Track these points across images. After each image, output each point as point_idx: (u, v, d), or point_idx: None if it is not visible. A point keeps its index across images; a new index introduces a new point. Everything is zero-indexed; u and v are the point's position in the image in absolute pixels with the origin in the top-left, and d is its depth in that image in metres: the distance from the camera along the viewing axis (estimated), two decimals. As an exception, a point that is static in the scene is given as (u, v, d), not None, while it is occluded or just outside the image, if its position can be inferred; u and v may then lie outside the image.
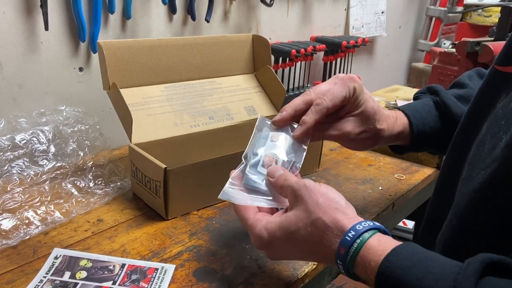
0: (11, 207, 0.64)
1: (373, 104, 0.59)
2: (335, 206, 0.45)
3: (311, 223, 0.43)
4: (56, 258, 0.54)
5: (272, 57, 1.18)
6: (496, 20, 1.91)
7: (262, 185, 0.51)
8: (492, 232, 0.43)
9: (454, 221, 0.46)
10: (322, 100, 0.54)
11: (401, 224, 1.43)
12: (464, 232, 0.45)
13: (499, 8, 1.85)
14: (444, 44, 1.91)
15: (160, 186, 0.62)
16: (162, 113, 0.76)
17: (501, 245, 0.42)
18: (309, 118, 0.54)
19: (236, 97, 0.86)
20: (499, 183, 0.42)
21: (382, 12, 1.72)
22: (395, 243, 0.40)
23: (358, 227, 0.41)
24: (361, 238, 0.41)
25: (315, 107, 0.54)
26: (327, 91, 0.55)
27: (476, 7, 1.99)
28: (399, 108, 0.64)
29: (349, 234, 0.41)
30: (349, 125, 0.58)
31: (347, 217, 0.43)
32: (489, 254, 0.37)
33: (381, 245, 0.40)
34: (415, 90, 1.40)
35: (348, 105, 0.57)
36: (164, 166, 0.61)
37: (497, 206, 0.42)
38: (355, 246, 0.40)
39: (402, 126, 0.62)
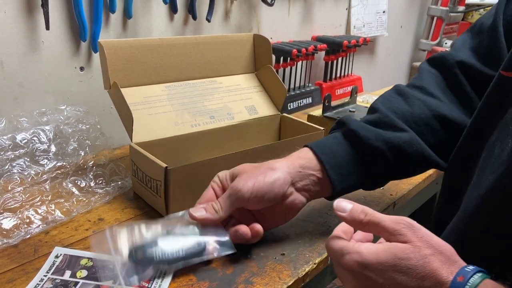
0: (12, 206, 0.64)
1: (243, 165, 0.56)
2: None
3: (424, 255, 0.40)
4: (56, 257, 0.54)
5: (273, 57, 1.18)
6: (498, 19, 1.91)
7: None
8: (498, 237, 0.42)
9: (460, 226, 0.46)
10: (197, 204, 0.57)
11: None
12: (471, 237, 0.45)
13: (500, 8, 1.86)
14: (446, 43, 1.91)
15: (161, 185, 0.62)
16: (163, 113, 0.76)
17: (508, 250, 0.41)
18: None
19: (237, 96, 0.86)
20: (505, 187, 0.42)
21: (384, 12, 1.72)
22: None
23: (467, 268, 0.39)
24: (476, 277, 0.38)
25: None
26: None
27: (477, 6, 1.99)
28: (305, 146, 0.60)
29: (467, 268, 0.39)
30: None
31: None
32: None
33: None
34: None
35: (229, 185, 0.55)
36: (164, 165, 0.61)
37: (503, 211, 0.42)
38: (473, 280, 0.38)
39: (304, 160, 0.57)
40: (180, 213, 0.57)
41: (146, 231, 0.54)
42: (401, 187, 0.78)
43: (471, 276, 0.38)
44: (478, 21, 0.64)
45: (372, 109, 0.63)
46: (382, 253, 0.41)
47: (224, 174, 0.57)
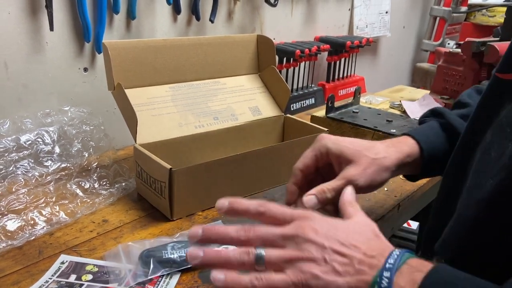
0: (16, 208, 0.64)
1: (353, 142, 0.58)
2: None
3: (365, 224, 0.44)
4: (62, 263, 0.54)
5: (276, 57, 1.18)
6: (500, 20, 1.90)
7: None
8: (503, 242, 0.42)
9: (461, 231, 0.46)
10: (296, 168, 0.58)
11: (405, 224, 1.43)
12: (473, 242, 0.45)
13: (503, 8, 1.85)
14: (448, 44, 1.91)
15: (165, 186, 0.62)
16: (167, 114, 0.76)
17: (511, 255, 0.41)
18: (289, 184, 0.58)
19: (241, 97, 0.86)
20: (508, 191, 0.41)
21: (386, 12, 1.72)
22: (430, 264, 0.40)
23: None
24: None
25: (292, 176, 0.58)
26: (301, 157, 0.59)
27: (480, 7, 1.98)
28: (406, 133, 0.63)
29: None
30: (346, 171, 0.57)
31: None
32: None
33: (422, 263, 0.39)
34: (420, 91, 1.40)
35: (331, 160, 0.57)
36: (169, 166, 0.61)
37: (506, 215, 0.42)
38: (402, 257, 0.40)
39: (409, 148, 0.60)
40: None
41: (157, 243, 0.56)
42: (405, 188, 0.78)
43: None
44: None
45: (460, 103, 0.66)
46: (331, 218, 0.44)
47: (333, 149, 0.57)
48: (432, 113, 0.66)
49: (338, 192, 0.54)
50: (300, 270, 0.40)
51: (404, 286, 0.37)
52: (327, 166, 0.58)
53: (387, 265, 0.39)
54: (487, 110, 0.51)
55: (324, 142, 0.58)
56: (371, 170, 0.56)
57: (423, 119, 0.67)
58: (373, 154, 0.57)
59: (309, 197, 0.54)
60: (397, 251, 0.40)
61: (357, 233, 0.43)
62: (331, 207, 0.56)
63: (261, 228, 0.44)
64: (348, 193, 0.51)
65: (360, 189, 0.55)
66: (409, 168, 0.61)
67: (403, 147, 0.60)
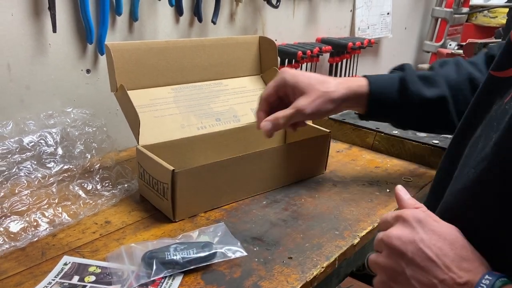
0: (19, 209, 0.64)
1: (309, 77, 0.69)
2: None
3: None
4: (65, 264, 0.54)
5: (278, 59, 1.18)
6: (502, 21, 1.90)
7: None
8: (483, 228, 0.43)
9: (446, 218, 0.47)
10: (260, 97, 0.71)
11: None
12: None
13: (504, 9, 1.85)
14: (450, 45, 1.91)
15: (168, 188, 0.62)
16: (169, 115, 0.76)
17: (492, 242, 0.42)
18: (257, 111, 0.71)
19: (243, 98, 0.86)
20: (488, 180, 0.42)
21: (388, 14, 1.72)
22: None
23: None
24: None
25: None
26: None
27: (482, 8, 1.98)
28: (364, 75, 0.72)
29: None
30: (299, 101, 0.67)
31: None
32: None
33: None
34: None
35: (289, 92, 0.68)
36: (171, 168, 0.61)
37: (487, 204, 0.43)
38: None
39: (358, 86, 0.70)
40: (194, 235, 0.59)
41: (160, 244, 0.56)
42: (408, 190, 0.77)
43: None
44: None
45: (432, 67, 0.76)
46: (442, 223, 0.43)
47: (289, 80, 0.68)
48: (399, 66, 0.75)
49: (289, 119, 0.66)
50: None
51: None
52: (285, 95, 0.69)
53: None
54: (480, 107, 0.53)
55: (283, 75, 0.69)
56: (318, 101, 0.67)
57: (391, 70, 0.77)
58: (324, 88, 0.67)
59: (265, 123, 0.67)
60: (486, 281, 0.38)
61: (447, 245, 0.41)
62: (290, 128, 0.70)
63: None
64: (404, 193, 0.50)
65: (307, 116, 0.68)
66: (356, 104, 0.71)
67: (353, 84, 0.70)
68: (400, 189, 0.50)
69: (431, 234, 0.42)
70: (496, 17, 1.97)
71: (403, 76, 0.71)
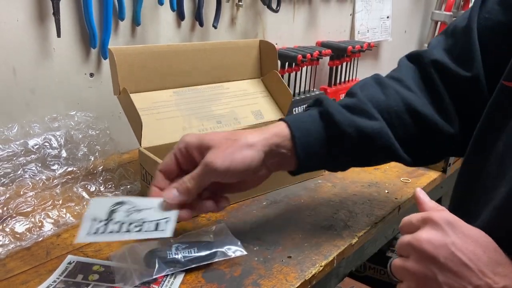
0: (24, 210, 0.65)
1: (216, 133, 0.57)
2: None
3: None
4: (69, 263, 0.55)
5: (279, 62, 1.19)
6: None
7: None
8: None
9: None
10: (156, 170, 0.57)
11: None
12: None
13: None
14: (450, 48, 1.91)
15: (170, 189, 0.64)
16: (171, 118, 0.77)
17: None
18: (151, 186, 0.56)
19: (244, 101, 0.87)
20: None
21: (388, 17, 1.73)
22: None
23: None
24: None
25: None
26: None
27: (481, 11, 1.99)
28: (281, 119, 0.60)
29: None
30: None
31: None
32: None
33: None
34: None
35: (193, 154, 0.55)
36: (173, 169, 0.62)
37: None
38: None
39: (277, 129, 0.57)
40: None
41: (162, 244, 0.56)
42: (406, 190, 0.79)
43: None
44: (452, 23, 0.65)
45: (351, 93, 0.63)
46: (470, 225, 0.42)
47: (192, 142, 0.55)
48: (314, 102, 0.62)
49: (199, 180, 0.53)
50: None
51: None
52: (191, 165, 0.55)
53: None
54: (496, 119, 0.51)
55: (183, 138, 0.56)
56: (230, 150, 0.53)
57: (306, 108, 0.64)
58: (234, 137, 0.55)
59: (169, 191, 0.53)
60: None
61: (481, 248, 0.40)
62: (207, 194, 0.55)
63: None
64: (424, 195, 0.48)
65: (220, 174, 0.53)
66: (281, 153, 0.57)
67: (270, 128, 0.58)
68: (420, 191, 0.47)
69: (463, 237, 0.40)
70: (496, 20, 1.98)
71: (324, 110, 0.59)
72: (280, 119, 0.60)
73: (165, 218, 0.52)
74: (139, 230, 0.51)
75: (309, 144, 0.58)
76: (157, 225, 0.52)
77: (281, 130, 0.58)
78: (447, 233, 0.40)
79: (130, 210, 0.53)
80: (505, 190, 0.44)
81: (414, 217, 0.44)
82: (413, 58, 0.65)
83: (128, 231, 0.50)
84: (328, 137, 0.59)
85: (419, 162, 0.65)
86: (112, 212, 0.52)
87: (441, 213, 0.42)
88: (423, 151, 0.62)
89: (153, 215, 0.53)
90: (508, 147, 0.48)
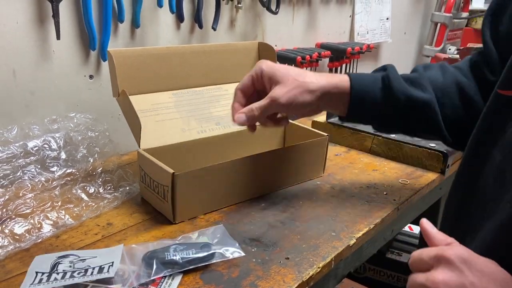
0: (24, 212, 0.65)
1: (287, 68, 0.66)
2: None
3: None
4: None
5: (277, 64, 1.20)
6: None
7: None
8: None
9: (488, 257, 0.44)
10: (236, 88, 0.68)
11: (406, 228, 1.43)
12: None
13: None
14: (450, 49, 1.92)
15: (168, 190, 0.64)
16: (170, 119, 0.78)
17: None
18: (233, 103, 0.67)
19: (242, 103, 0.87)
20: None
21: (387, 19, 1.73)
22: None
23: None
24: None
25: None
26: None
27: (481, 12, 2.00)
28: (346, 73, 0.69)
29: None
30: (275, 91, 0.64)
31: None
32: None
33: None
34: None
35: (266, 83, 0.65)
36: (172, 171, 0.62)
37: None
38: None
39: (339, 81, 0.66)
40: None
41: (160, 245, 0.57)
42: (405, 192, 0.79)
43: None
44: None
45: (414, 70, 0.72)
46: (484, 259, 0.41)
47: (266, 71, 0.65)
48: (381, 67, 0.71)
49: (264, 109, 0.63)
50: None
51: None
52: (262, 87, 0.66)
53: None
54: (491, 128, 0.52)
55: (260, 65, 0.66)
56: (295, 91, 0.63)
57: (373, 71, 0.72)
58: (301, 78, 0.64)
59: (239, 115, 0.65)
60: None
61: (498, 286, 0.39)
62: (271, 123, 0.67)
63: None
64: (431, 227, 0.46)
65: (282, 108, 0.64)
66: (336, 100, 0.66)
67: (333, 78, 0.66)
68: (426, 223, 0.46)
69: (480, 276, 0.38)
70: (496, 21, 1.98)
71: (385, 75, 0.68)
72: (347, 73, 0.68)
73: (109, 263, 0.53)
74: (83, 275, 0.51)
75: (364, 99, 0.66)
76: (101, 269, 0.52)
77: (343, 82, 0.66)
78: (463, 273, 0.39)
79: (74, 261, 0.54)
80: (510, 207, 0.43)
81: (425, 253, 0.42)
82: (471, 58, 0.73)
83: (72, 277, 0.51)
84: (381, 97, 0.66)
85: (459, 144, 0.69)
86: (56, 264, 0.53)
87: (454, 249, 0.40)
88: (465, 134, 0.64)
89: (97, 261, 0.54)
90: (506, 156, 0.48)
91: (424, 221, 0.46)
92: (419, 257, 0.42)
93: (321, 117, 1.04)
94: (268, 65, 0.65)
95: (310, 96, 0.64)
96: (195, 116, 0.81)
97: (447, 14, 1.89)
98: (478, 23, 2.05)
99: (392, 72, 0.68)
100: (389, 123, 0.70)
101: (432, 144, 0.89)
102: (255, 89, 0.67)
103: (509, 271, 0.40)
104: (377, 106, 0.67)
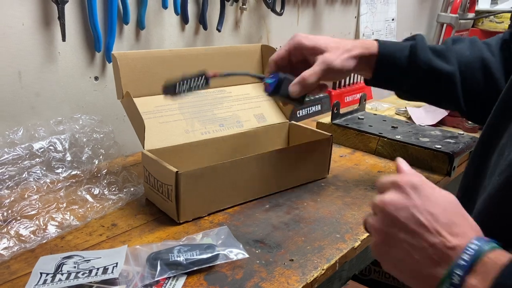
0: (29, 213, 0.66)
1: (325, 37, 0.71)
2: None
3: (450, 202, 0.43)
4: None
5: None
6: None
7: None
8: (501, 238, 0.42)
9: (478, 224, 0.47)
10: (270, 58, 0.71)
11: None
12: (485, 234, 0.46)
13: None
14: (456, 50, 1.91)
15: (172, 190, 0.64)
16: (174, 121, 0.78)
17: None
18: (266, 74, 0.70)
19: (246, 105, 0.87)
20: (510, 187, 0.43)
21: (393, 19, 1.73)
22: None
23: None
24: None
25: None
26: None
27: (487, 13, 1.99)
28: (376, 40, 0.73)
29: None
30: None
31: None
32: None
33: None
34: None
35: (304, 53, 0.69)
36: (175, 170, 0.63)
37: (510, 211, 0.43)
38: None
39: (370, 44, 0.71)
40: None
41: (164, 246, 0.57)
42: (410, 194, 0.79)
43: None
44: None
45: (444, 42, 0.75)
46: (440, 189, 0.44)
47: (305, 43, 0.69)
48: (412, 37, 0.74)
49: (320, 76, 0.67)
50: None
51: (476, 285, 0.37)
52: (299, 63, 0.70)
53: (461, 262, 0.39)
54: (505, 113, 0.53)
55: (298, 37, 0.70)
56: (344, 56, 0.68)
57: (404, 40, 0.75)
58: (343, 46, 0.69)
59: (293, 86, 0.67)
60: (473, 246, 0.39)
61: (440, 210, 0.42)
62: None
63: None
64: (405, 164, 0.49)
65: (334, 72, 0.68)
66: (365, 65, 0.71)
67: (365, 43, 0.71)
68: (401, 161, 0.50)
69: (425, 200, 0.42)
70: (502, 22, 1.97)
71: (413, 44, 0.71)
72: (375, 40, 0.72)
73: (113, 264, 0.54)
74: (88, 276, 0.52)
75: (389, 64, 0.70)
76: (105, 270, 0.53)
77: (372, 46, 0.71)
78: (410, 196, 0.43)
79: (79, 262, 0.54)
80: (499, 179, 0.45)
81: (387, 178, 0.47)
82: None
83: (76, 278, 0.51)
84: (406, 65, 0.70)
85: (475, 118, 0.75)
86: (60, 265, 0.54)
87: (409, 177, 0.44)
88: (483, 109, 0.65)
89: (102, 262, 0.54)
90: (509, 137, 0.49)
91: (400, 159, 0.50)
92: (381, 182, 0.47)
93: (326, 118, 1.04)
94: (306, 37, 0.69)
95: (353, 62, 0.69)
96: (198, 117, 0.81)
97: (453, 15, 1.88)
98: (485, 24, 2.04)
99: (420, 42, 0.70)
100: (411, 91, 0.74)
101: (437, 146, 0.89)
102: (289, 61, 0.70)
103: (496, 239, 0.41)
104: (401, 73, 0.70)
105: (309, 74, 0.67)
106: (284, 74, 0.69)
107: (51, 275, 0.52)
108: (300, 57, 0.70)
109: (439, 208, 0.42)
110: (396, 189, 0.44)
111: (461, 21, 1.92)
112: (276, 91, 0.68)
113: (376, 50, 0.71)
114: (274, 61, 0.70)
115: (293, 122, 0.90)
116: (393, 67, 0.71)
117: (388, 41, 0.72)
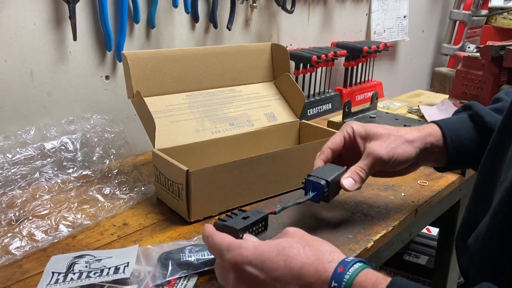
0: (41, 213, 0.66)
1: (379, 125, 0.64)
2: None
3: (306, 245, 0.45)
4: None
5: (293, 63, 1.19)
6: (523, 22, 1.87)
7: None
8: None
9: (487, 221, 0.46)
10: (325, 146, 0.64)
11: (425, 230, 1.41)
12: (497, 232, 0.45)
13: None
14: (469, 48, 1.88)
15: (183, 188, 0.64)
16: (184, 120, 0.78)
17: None
18: (317, 160, 0.63)
19: (256, 104, 0.87)
20: None
21: (404, 17, 1.71)
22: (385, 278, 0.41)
23: (347, 259, 0.43)
24: (356, 266, 0.42)
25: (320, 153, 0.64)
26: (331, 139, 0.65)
27: (501, 10, 1.95)
28: (432, 121, 0.66)
29: (347, 259, 0.43)
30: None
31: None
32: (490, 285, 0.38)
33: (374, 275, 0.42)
34: (439, 95, 1.39)
35: (356, 140, 0.63)
36: (186, 168, 0.62)
37: None
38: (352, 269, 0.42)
39: (431, 130, 0.63)
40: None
41: (175, 246, 0.57)
42: (423, 194, 0.77)
43: (351, 266, 0.42)
44: None
45: (496, 99, 0.68)
46: (266, 246, 0.45)
47: (358, 130, 0.63)
48: (463, 107, 0.67)
49: (370, 170, 0.61)
50: None
51: None
52: (350, 151, 0.64)
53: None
54: None
55: (351, 124, 0.64)
56: (393, 144, 0.61)
57: (454, 113, 0.69)
58: (396, 132, 0.63)
59: (348, 180, 0.60)
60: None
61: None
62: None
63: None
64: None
65: (384, 163, 0.60)
66: (434, 152, 0.63)
67: (425, 128, 0.64)
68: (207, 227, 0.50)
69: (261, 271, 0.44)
70: (516, 18, 1.94)
71: (474, 112, 0.64)
72: (431, 122, 0.66)
73: (124, 264, 0.53)
74: (99, 276, 0.52)
75: (460, 143, 0.63)
76: (117, 269, 0.53)
77: (434, 130, 0.64)
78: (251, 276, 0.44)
79: (90, 261, 0.54)
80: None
81: (214, 252, 0.48)
82: None
83: (88, 277, 0.51)
84: (479, 137, 0.63)
85: None
86: (72, 264, 0.54)
87: (231, 257, 0.45)
88: None
89: (113, 262, 0.54)
90: None
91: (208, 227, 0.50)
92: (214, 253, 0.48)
93: (337, 117, 1.03)
94: (359, 124, 0.64)
95: (409, 147, 0.62)
96: (209, 117, 0.80)
97: (466, 12, 1.85)
98: (498, 21, 2.01)
99: (478, 108, 0.65)
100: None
101: (451, 145, 0.87)
102: (344, 149, 0.65)
103: None
104: (476, 146, 0.63)
105: (359, 168, 0.61)
106: (317, 176, 0.61)
107: (63, 274, 0.52)
108: (351, 143, 0.64)
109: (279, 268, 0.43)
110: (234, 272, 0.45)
111: (474, 18, 1.89)
112: (326, 199, 0.61)
113: (439, 135, 0.63)
114: (330, 148, 0.64)
115: (303, 121, 0.89)
116: (465, 143, 0.63)
117: (444, 119, 0.65)
